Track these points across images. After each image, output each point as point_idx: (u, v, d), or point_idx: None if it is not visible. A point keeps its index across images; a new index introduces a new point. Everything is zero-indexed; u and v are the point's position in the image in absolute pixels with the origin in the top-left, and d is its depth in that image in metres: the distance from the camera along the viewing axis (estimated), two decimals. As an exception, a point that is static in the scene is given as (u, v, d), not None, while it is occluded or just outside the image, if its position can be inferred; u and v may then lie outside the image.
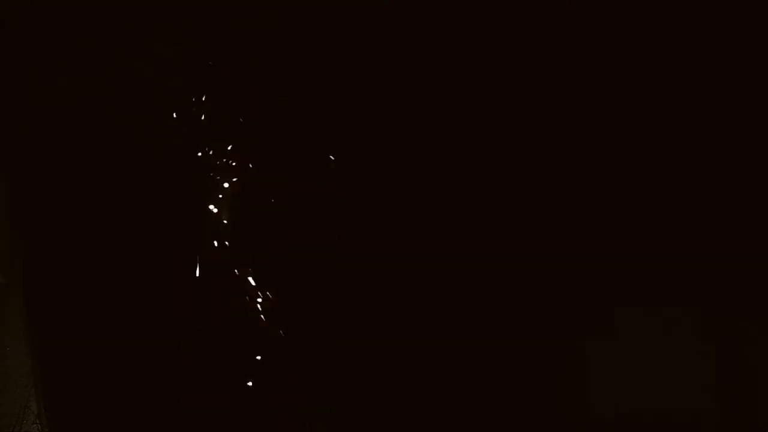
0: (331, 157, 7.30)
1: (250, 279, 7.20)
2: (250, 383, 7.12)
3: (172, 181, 7.17)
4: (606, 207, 7.32)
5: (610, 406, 7.24)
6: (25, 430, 6.57)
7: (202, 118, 7.24)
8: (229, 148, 7.24)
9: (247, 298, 7.22)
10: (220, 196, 7.25)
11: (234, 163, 7.26)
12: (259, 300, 7.21)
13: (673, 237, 7.22)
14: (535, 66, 7.34)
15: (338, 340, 7.23)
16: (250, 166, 7.29)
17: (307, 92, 7.30)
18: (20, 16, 7.10)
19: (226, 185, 7.24)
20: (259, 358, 7.18)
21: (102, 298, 7.11)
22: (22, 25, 7.10)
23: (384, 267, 7.27)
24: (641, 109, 7.29)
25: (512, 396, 7.28)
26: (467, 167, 7.45)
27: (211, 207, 7.23)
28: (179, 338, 7.15)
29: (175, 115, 7.16)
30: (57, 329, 7.01)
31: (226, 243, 7.24)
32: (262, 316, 7.24)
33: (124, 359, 7.05)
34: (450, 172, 7.47)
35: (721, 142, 7.20)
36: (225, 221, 7.26)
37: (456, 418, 7.22)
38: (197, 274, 7.24)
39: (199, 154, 7.23)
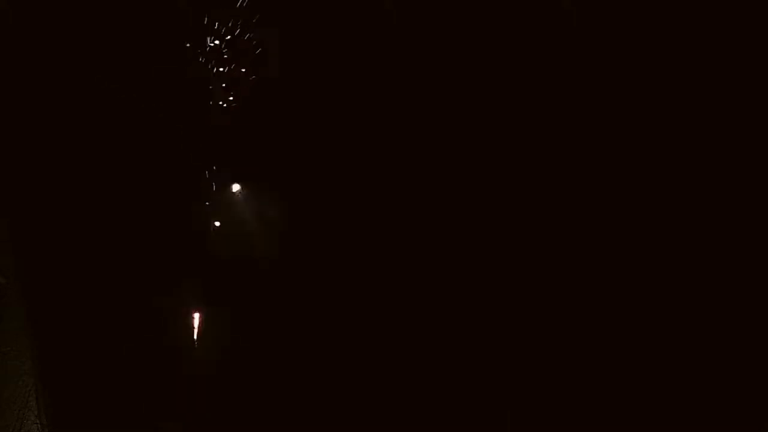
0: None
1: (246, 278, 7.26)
2: (247, 383, 7.18)
3: (168, 182, 7.20)
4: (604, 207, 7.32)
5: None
6: (26, 430, 6.61)
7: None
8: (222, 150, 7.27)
9: (244, 298, 7.28)
10: (216, 196, 7.29)
11: (227, 165, 7.29)
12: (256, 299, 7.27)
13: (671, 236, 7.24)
14: (533, 65, 7.33)
15: (335, 339, 7.27)
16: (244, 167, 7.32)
17: (306, 93, 7.32)
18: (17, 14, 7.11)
19: (221, 186, 7.28)
20: (256, 357, 7.24)
21: (101, 298, 7.15)
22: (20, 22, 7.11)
23: (381, 267, 7.30)
24: (638, 109, 7.28)
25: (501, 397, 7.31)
26: (465, 166, 7.45)
27: (208, 206, 7.27)
28: (178, 338, 7.21)
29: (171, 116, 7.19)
30: (57, 329, 7.05)
31: (224, 243, 7.28)
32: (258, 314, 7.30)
33: (123, 359, 7.10)
34: (448, 172, 7.49)
35: (721, 143, 7.19)
36: (222, 221, 7.30)
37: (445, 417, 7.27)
38: (196, 274, 7.30)
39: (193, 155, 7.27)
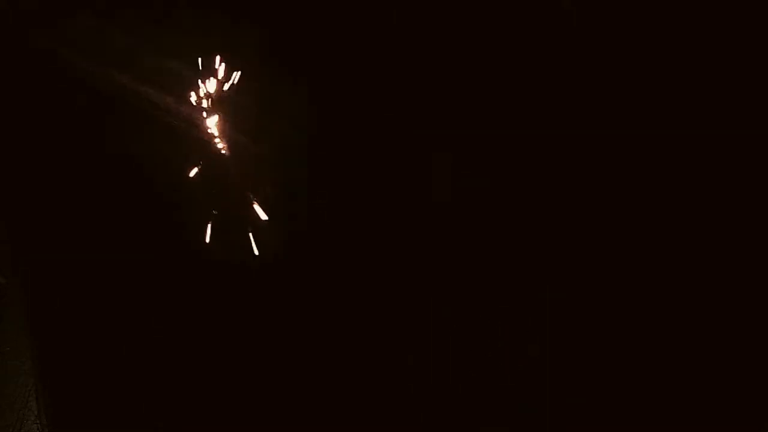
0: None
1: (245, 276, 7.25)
2: (247, 382, 7.19)
3: (167, 181, 7.20)
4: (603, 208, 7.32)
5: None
6: (25, 430, 6.64)
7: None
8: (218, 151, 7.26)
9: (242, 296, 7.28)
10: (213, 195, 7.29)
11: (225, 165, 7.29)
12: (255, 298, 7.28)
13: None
14: (533, 65, 7.32)
15: (333, 339, 7.27)
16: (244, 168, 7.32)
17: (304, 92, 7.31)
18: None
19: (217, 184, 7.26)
20: (256, 356, 7.24)
21: (101, 298, 7.17)
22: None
23: (377, 267, 7.31)
24: (638, 110, 7.26)
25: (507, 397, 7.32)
26: (465, 166, 7.45)
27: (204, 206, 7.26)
28: (179, 337, 7.21)
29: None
30: (57, 329, 7.08)
31: (222, 242, 7.27)
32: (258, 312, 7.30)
33: (124, 359, 7.12)
34: (448, 171, 7.48)
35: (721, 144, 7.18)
36: (220, 220, 7.29)
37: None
38: (196, 274, 7.30)
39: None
